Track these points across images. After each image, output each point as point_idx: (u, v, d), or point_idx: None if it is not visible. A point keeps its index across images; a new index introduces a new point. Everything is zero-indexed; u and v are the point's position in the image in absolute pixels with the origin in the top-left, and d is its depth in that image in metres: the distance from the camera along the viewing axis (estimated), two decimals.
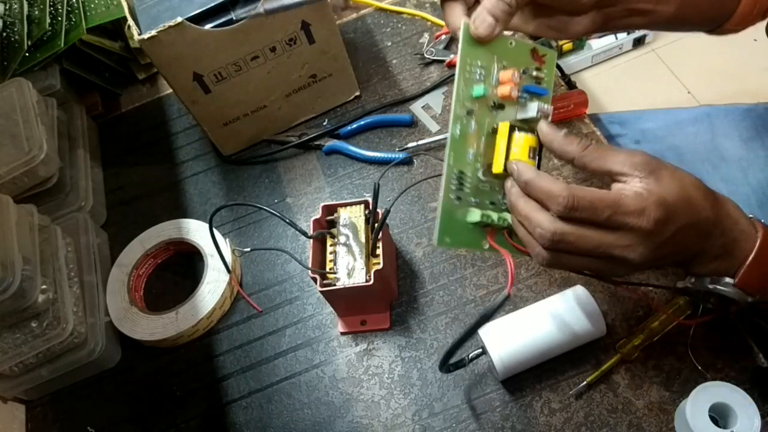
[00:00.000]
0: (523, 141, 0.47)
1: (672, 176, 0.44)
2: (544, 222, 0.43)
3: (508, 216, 0.48)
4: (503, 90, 0.48)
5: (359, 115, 0.79)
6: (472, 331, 0.49)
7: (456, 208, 0.47)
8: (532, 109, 0.48)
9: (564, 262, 0.45)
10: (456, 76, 0.47)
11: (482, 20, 0.47)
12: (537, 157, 0.48)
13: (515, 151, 0.47)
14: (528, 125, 0.48)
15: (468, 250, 0.67)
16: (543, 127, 0.47)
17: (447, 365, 0.56)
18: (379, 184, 0.59)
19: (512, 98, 0.48)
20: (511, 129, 0.47)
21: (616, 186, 0.44)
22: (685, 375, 0.56)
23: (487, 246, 0.48)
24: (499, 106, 0.48)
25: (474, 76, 0.48)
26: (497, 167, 0.47)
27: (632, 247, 0.43)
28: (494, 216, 0.47)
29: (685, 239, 0.45)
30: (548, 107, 0.49)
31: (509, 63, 0.49)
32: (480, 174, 0.48)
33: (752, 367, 0.55)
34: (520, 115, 0.49)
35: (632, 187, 0.43)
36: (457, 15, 0.50)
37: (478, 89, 0.47)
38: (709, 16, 0.57)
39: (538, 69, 0.50)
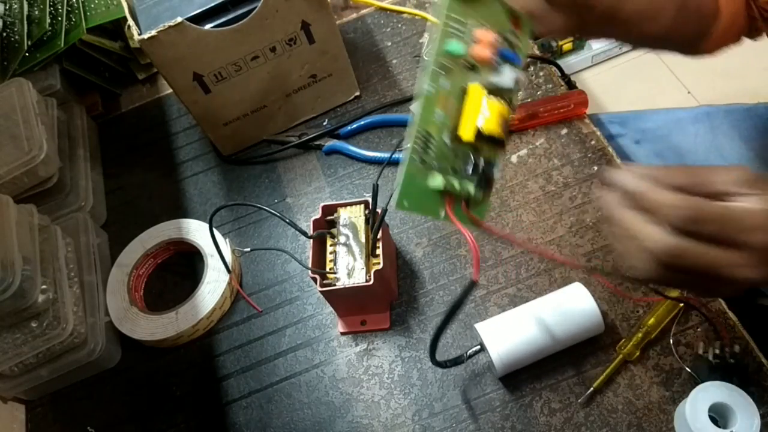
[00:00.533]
0: (494, 108, 0.44)
1: None
2: (658, 235, 0.38)
3: (470, 186, 0.45)
4: (481, 51, 0.45)
5: (359, 115, 0.79)
6: (446, 323, 0.49)
7: (419, 171, 0.44)
8: (508, 77, 0.45)
9: (668, 278, 0.40)
10: (436, 30, 0.44)
11: None
12: (506, 130, 0.45)
13: (484, 117, 0.44)
14: (500, 93, 0.45)
15: (466, 252, 0.67)
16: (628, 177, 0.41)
17: (445, 361, 0.57)
18: (377, 185, 0.59)
19: (488, 61, 0.45)
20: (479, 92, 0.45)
21: (738, 200, 0.39)
22: (685, 375, 0.56)
23: (443, 215, 0.45)
24: (473, 67, 0.45)
25: (453, 32, 0.45)
26: (466, 134, 0.44)
27: (749, 267, 0.39)
28: (456, 184, 0.44)
29: None
30: (524, 77, 0.47)
31: (488, 23, 0.46)
32: (446, 138, 0.44)
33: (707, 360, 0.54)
34: (495, 80, 0.46)
35: (750, 204, 0.38)
36: None
37: (457, 46, 0.44)
38: (688, 38, 0.57)
39: (514, 34, 0.47)
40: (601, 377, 0.56)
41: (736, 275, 0.39)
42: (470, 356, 0.58)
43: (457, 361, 0.58)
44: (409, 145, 0.44)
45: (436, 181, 0.44)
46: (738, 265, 0.38)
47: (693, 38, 0.58)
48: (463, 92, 0.45)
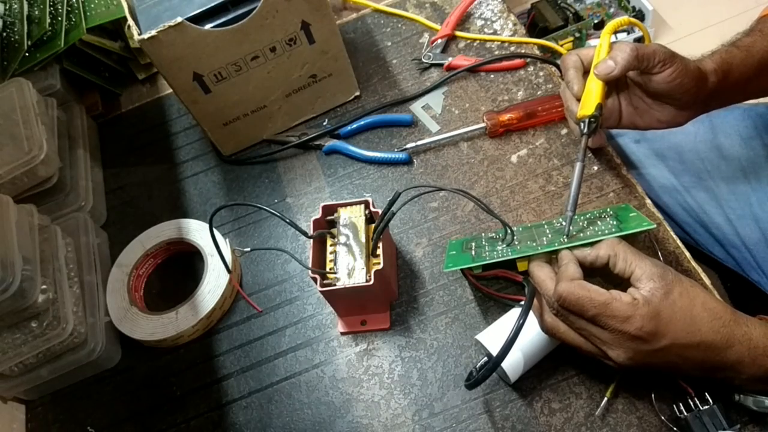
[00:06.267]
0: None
1: (683, 294, 0.47)
2: (545, 315, 0.52)
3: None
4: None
5: (359, 115, 0.79)
6: (499, 361, 0.51)
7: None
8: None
9: (561, 331, 0.52)
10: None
11: (605, 65, 0.57)
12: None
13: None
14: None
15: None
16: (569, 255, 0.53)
17: (476, 380, 0.54)
18: (399, 193, 0.57)
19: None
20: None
21: (630, 289, 0.48)
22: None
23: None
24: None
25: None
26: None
27: (612, 346, 0.48)
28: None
29: (687, 354, 0.47)
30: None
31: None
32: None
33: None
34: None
35: (636, 294, 0.47)
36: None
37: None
38: None
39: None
40: (611, 387, 0.56)
41: (607, 352, 0.48)
42: (491, 370, 0.53)
43: (480, 381, 0.54)
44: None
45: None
46: (605, 342, 0.48)
47: None
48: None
